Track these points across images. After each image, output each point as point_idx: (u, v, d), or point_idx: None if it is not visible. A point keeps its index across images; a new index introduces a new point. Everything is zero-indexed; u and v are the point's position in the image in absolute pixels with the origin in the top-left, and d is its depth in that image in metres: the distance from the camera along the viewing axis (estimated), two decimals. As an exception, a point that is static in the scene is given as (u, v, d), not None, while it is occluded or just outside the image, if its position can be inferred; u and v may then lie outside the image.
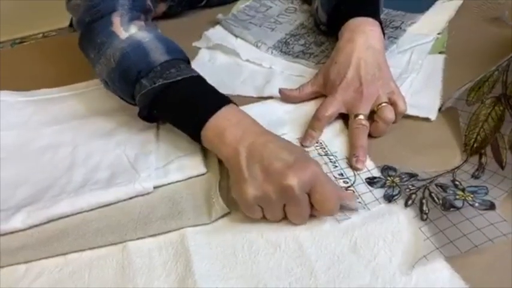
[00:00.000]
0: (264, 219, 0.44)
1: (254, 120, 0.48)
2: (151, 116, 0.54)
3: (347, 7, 0.63)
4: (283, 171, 0.41)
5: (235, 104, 0.49)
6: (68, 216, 0.45)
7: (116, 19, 0.54)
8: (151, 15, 0.60)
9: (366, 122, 0.52)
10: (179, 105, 0.49)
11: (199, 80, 0.51)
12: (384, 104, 0.53)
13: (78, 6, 0.56)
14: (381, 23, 0.61)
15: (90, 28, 0.55)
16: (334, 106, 0.54)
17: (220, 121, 0.46)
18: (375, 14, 0.62)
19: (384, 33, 0.61)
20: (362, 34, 0.58)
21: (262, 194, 0.41)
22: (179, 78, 0.49)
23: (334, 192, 0.42)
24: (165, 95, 0.50)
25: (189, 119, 0.49)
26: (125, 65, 0.51)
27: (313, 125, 0.54)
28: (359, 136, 0.51)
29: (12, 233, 0.44)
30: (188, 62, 0.54)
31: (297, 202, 0.41)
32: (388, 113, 0.52)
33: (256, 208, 0.43)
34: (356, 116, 0.53)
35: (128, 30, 0.53)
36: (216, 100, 0.49)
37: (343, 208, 0.44)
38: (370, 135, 0.52)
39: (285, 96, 0.60)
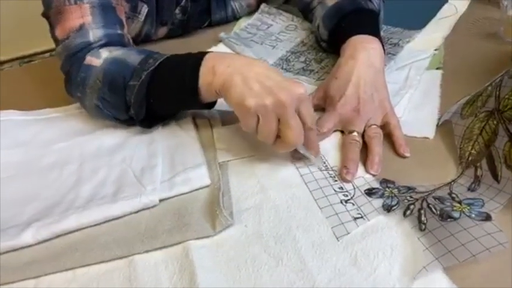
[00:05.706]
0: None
1: (238, 54, 0.52)
2: (150, 117, 0.57)
3: (348, 25, 0.65)
4: (276, 87, 0.46)
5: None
6: (76, 231, 0.46)
7: (87, 56, 0.58)
8: (129, 42, 0.64)
9: (359, 139, 0.54)
10: (169, 80, 0.53)
11: (174, 56, 0.55)
12: (373, 126, 0.55)
13: (60, 54, 0.61)
14: (381, 41, 0.61)
15: (70, 72, 0.59)
16: (331, 122, 0.56)
17: (208, 63, 0.51)
18: (375, 31, 0.63)
19: (384, 51, 0.61)
20: (364, 51, 0.58)
21: (261, 103, 0.46)
22: (158, 62, 0.54)
23: (312, 110, 0.49)
24: (153, 80, 0.54)
25: (183, 83, 0.52)
26: (110, 78, 0.55)
27: None
28: (351, 150, 0.53)
29: (21, 248, 0.44)
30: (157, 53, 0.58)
31: (290, 114, 0.46)
32: (374, 130, 0.54)
33: (254, 118, 0.47)
34: (350, 132, 0.54)
35: (100, 57, 0.57)
36: (195, 56, 0.52)
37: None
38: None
39: None
